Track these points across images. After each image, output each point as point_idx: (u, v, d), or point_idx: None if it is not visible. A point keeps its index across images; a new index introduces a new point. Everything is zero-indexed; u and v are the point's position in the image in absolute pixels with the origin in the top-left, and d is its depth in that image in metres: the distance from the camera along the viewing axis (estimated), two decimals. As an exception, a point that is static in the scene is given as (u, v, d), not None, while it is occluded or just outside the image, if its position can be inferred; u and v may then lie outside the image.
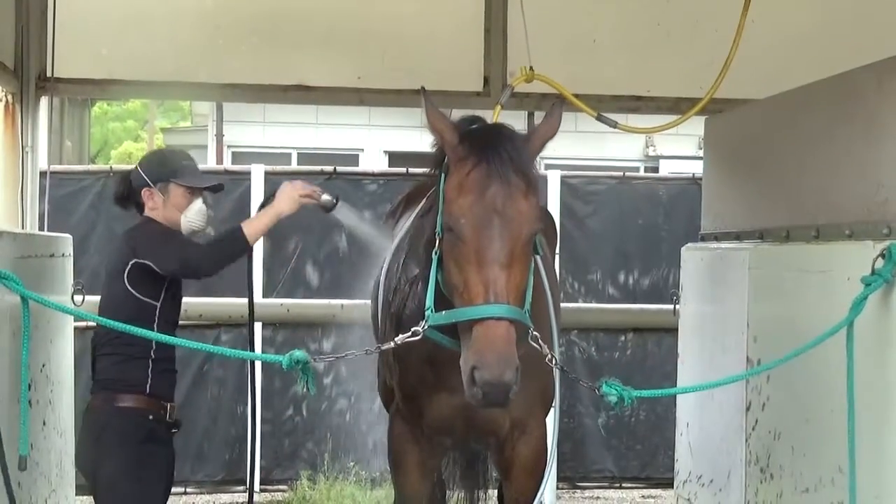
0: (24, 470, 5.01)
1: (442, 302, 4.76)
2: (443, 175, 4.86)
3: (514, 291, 4.49)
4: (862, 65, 5.44)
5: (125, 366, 5.82)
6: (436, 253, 4.79)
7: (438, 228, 4.76)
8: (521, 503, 5.64)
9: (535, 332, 4.68)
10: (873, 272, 4.58)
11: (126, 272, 5.77)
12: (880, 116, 5.14)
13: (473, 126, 5.01)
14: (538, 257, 5.05)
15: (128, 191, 6.17)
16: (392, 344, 4.82)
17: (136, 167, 6.16)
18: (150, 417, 5.86)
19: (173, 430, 6.09)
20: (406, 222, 6.14)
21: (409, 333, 4.73)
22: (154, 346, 5.80)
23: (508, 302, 4.43)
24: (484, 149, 4.66)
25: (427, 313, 4.77)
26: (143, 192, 6.09)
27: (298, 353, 4.72)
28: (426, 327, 4.72)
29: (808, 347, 4.85)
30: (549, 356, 4.78)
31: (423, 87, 4.89)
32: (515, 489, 5.66)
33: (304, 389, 4.82)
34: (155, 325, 5.77)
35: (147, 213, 6.09)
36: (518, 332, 4.47)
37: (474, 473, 7.39)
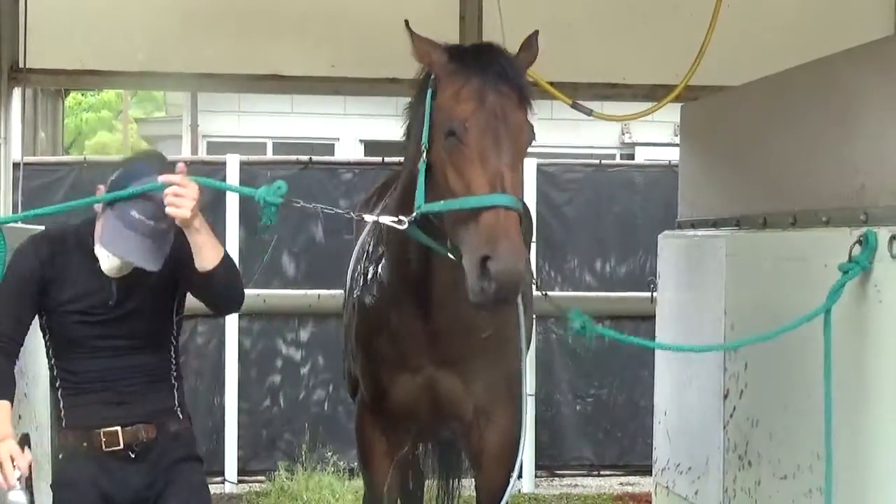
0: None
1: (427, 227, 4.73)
2: (430, 92, 4.80)
3: (517, 190, 4.46)
4: (838, 51, 5.45)
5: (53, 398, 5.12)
6: (423, 162, 4.73)
7: (425, 140, 4.71)
8: (493, 491, 5.54)
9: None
10: (850, 259, 4.60)
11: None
12: (857, 102, 5.15)
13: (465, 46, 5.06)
14: None
15: None
16: (374, 218, 4.91)
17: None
18: (60, 456, 5.04)
19: (132, 454, 4.96)
20: (377, 211, 6.08)
21: (396, 220, 4.73)
22: (58, 370, 4.98)
23: (516, 195, 4.40)
24: (478, 60, 4.71)
25: (416, 206, 4.69)
26: None
27: (280, 183, 4.79)
28: (416, 216, 4.67)
29: (785, 330, 4.88)
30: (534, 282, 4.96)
31: (406, 21, 4.96)
32: (486, 478, 5.63)
33: (267, 223, 4.79)
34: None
35: None
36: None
37: (448, 462, 7.42)
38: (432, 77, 4.85)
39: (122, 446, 4.89)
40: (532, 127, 4.73)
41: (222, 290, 4.78)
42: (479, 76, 4.61)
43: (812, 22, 7.89)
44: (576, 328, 4.67)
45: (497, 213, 4.27)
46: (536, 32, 5.17)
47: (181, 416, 5.17)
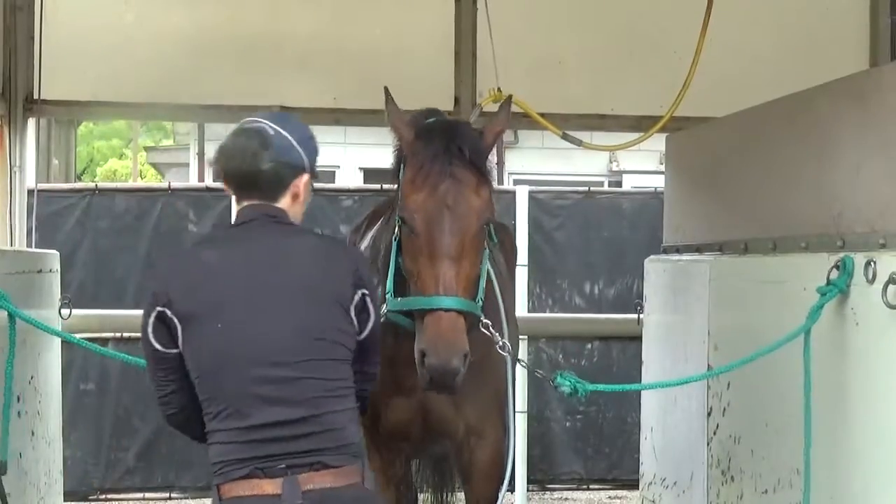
0: (3, 474, 5.21)
1: (402, 284, 4.93)
2: (402, 168, 4.98)
3: (464, 283, 4.68)
4: (816, 84, 5.61)
5: None
6: (395, 239, 4.94)
7: (398, 217, 4.88)
8: None
9: (485, 321, 4.87)
10: (828, 282, 4.72)
11: (353, 301, 4.12)
12: (834, 134, 5.29)
13: (429, 121, 5.08)
14: (491, 272, 5.19)
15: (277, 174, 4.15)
16: None
17: (290, 138, 4.19)
18: None
19: None
20: (369, 234, 6.19)
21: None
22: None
23: (458, 293, 4.63)
24: (436, 144, 4.79)
25: (387, 297, 4.93)
26: (299, 180, 4.23)
27: None
28: (386, 311, 4.86)
29: (766, 352, 5.00)
30: (500, 343, 4.96)
31: (385, 88, 5.05)
32: (475, 493, 5.69)
33: None
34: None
35: (289, 209, 4.21)
36: (470, 322, 4.68)
37: (442, 476, 7.46)
38: (404, 156, 5.01)
39: None
40: (488, 202, 4.83)
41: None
42: (434, 162, 4.74)
43: (791, 57, 8.03)
44: (567, 393, 4.91)
45: (435, 316, 4.58)
46: (510, 98, 5.31)
47: None
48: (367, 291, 4.11)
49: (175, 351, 4.00)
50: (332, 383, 3.99)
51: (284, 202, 4.12)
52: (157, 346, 4.02)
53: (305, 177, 4.18)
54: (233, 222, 4.22)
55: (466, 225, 4.71)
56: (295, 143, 4.14)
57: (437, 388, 4.61)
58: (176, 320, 3.96)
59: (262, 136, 4.08)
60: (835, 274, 4.72)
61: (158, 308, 3.97)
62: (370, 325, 4.17)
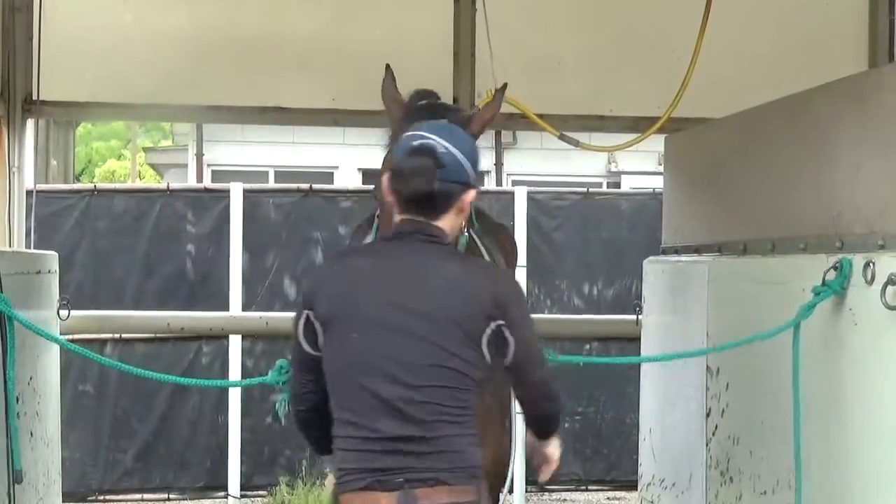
0: (19, 483, 5.21)
1: None
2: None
3: None
4: (814, 85, 5.61)
5: None
6: (378, 217, 4.84)
7: (376, 202, 4.81)
8: None
9: None
10: (824, 283, 4.73)
11: (485, 334, 4.04)
12: (833, 134, 5.29)
13: (420, 103, 5.04)
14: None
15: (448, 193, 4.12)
16: None
17: (458, 155, 4.13)
18: None
19: None
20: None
21: None
22: None
23: None
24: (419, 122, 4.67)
25: None
26: (466, 195, 4.19)
27: (282, 362, 4.87)
28: None
29: (755, 339, 5.08)
30: None
31: (387, 65, 5.07)
32: None
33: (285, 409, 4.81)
34: None
35: (451, 223, 4.18)
36: None
37: None
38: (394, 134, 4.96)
39: None
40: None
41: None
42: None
43: (790, 58, 8.01)
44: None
45: None
46: (504, 86, 5.23)
47: None
48: (503, 322, 4.03)
49: (319, 354, 4.09)
50: (452, 409, 4.00)
51: (448, 218, 4.13)
52: (306, 347, 4.13)
53: (472, 192, 4.17)
54: (391, 234, 4.20)
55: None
56: (464, 158, 4.11)
57: None
58: (318, 324, 4.06)
59: (435, 155, 4.06)
60: (832, 275, 4.73)
61: (306, 311, 4.09)
62: (511, 351, 4.10)
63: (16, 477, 5.19)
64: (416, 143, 4.09)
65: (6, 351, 5.33)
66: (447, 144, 4.08)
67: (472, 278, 4.12)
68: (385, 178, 4.15)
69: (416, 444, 3.93)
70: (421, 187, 4.02)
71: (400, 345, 3.96)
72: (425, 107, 4.99)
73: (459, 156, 4.08)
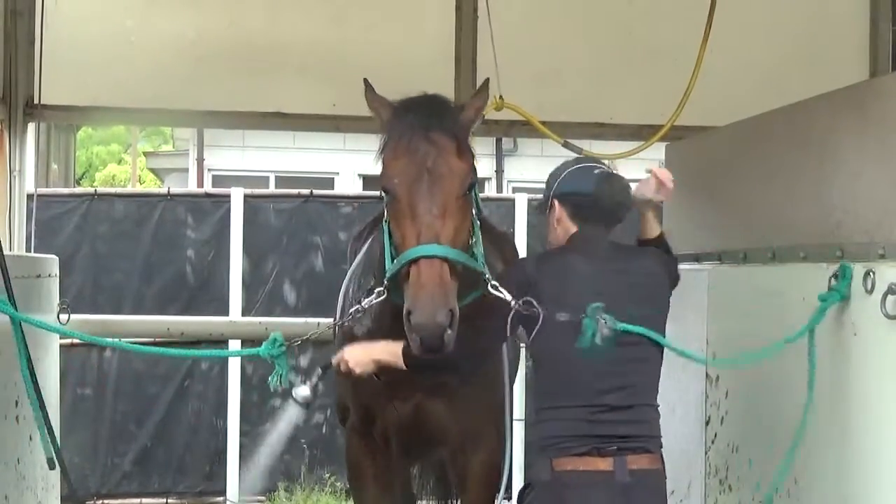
0: (53, 469, 5.22)
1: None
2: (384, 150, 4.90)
3: (447, 233, 4.52)
4: (816, 94, 5.62)
5: None
6: (386, 221, 4.82)
7: (381, 190, 4.79)
8: None
9: (492, 281, 4.71)
10: (829, 289, 4.69)
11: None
12: (833, 143, 5.30)
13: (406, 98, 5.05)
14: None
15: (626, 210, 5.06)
16: (359, 306, 4.87)
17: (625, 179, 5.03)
18: None
19: None
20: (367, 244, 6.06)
21: (374, 294, 4.79)
22: None
23: (439, 242, 4.47)
24: (413, 116, 4.75)
25: (386, 265, 4.75)
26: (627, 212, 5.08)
27: (276, 335, 4.88)
28: (386, 283, 4.73)
29: (778, 347, 4.92)
30: (487, 276, 4.77)
31: (365, 79, 5.04)
32: (470, 500, 5.61)
33: (279, 384, 4.95)
34: None
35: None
36: (456, 273, 4.49)
37: (444, 484, 7.39)
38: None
39: None
40: (469, 168, 4.76)
41: None
42: (410, 130, 4.68)
43: (791, 66, 8.04)
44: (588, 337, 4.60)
45: (417, 266, 4.41)
46: (487, 80, 5.24)
47: None
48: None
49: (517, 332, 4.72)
50: (648, 383, 4.78)
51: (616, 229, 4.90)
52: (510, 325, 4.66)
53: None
54: (580, 241, 4.86)
55: (448, 186, 4.61)
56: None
57: (426, 351, 4.38)
58: (535, 303, 4.57)
59: (620, 179, 4.91)
60: (835, 282, 4.70)
61: (524, 295, 4.62)
62: None
63: (49, 464, 5.21)
64: (599, 172, 4.90)
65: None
66: (615, 171, 4.96)
67: (656, 266, 5.05)
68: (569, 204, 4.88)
69: (625, 413, 4.62)
70: (613, 208, 4.87)
71: None
72: (414, 98, 5.00)
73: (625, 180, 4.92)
